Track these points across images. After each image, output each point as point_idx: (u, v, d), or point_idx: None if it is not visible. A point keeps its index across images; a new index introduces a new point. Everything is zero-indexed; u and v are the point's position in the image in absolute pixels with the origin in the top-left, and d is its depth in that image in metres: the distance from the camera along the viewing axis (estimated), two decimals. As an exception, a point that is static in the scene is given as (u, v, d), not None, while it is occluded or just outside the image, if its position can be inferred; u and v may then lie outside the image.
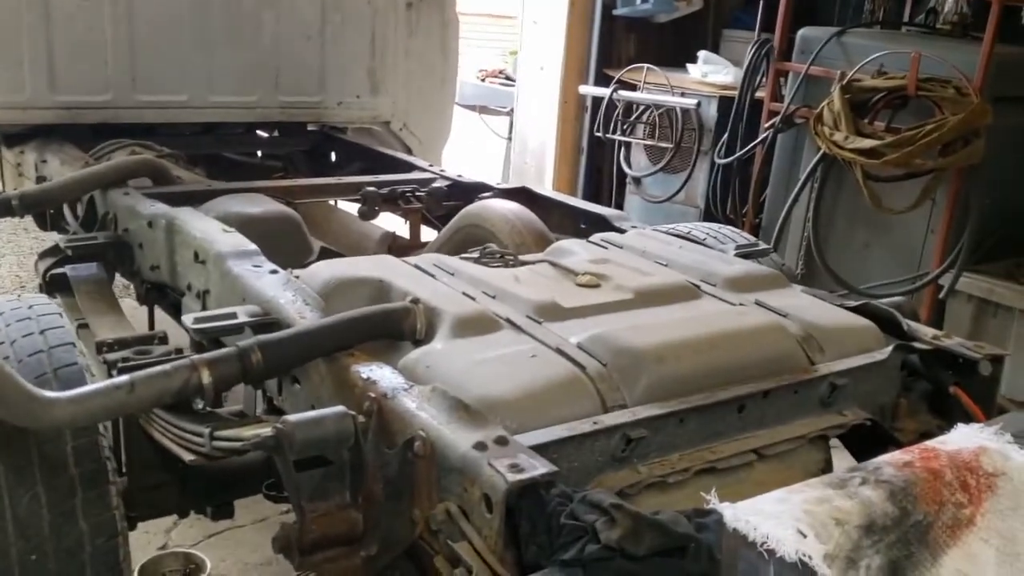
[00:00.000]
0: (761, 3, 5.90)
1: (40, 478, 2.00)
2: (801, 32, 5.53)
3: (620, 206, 6.81)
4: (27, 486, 1.98)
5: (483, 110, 8.97)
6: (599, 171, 7.51)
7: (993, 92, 4.67)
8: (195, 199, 3.48)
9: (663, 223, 3.65)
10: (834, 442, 2.26)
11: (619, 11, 7.08)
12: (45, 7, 4.33)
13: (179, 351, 2.41)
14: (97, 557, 2.06)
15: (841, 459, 2.27)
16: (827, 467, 2.17)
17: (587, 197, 6.92)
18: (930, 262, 5.02)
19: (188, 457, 2.08)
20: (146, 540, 3.34)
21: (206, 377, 1.94)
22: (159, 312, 3.49)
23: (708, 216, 6.19)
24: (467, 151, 8.10)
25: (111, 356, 2.42)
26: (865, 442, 2.28)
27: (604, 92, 6.92)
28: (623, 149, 6.92)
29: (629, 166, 6.90)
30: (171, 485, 2.41)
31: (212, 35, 4.77)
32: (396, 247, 3.81)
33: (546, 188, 6.01)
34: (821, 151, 5.06)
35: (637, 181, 6.88)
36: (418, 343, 2.18)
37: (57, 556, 2.00)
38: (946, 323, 4.94)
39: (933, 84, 4.67)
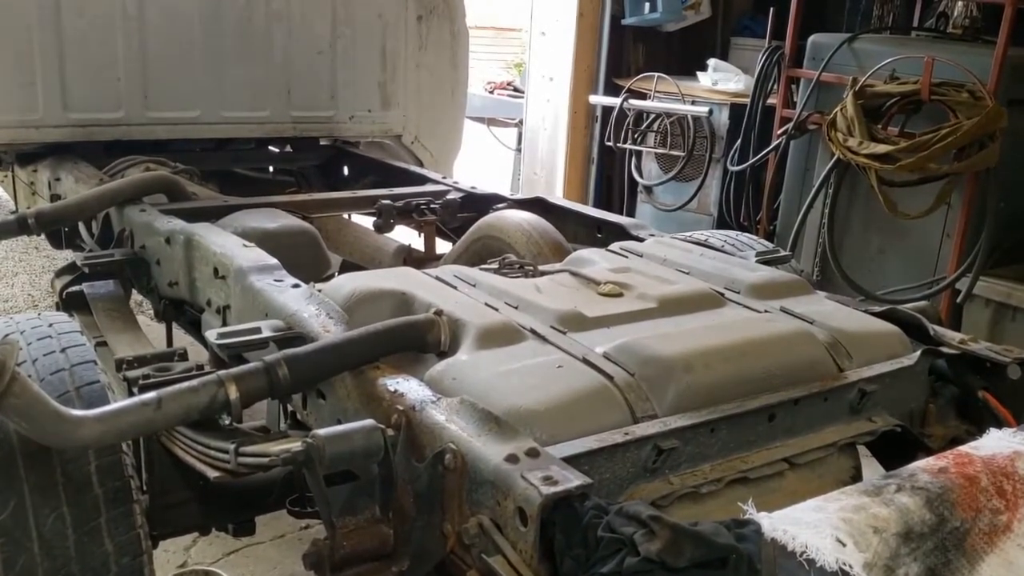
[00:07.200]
0: (771, 11, 5.90)
1: (65, 497, 1.98)
2: (812, 39, 5.53)
3: (631, 215, 6.80)
4: (52, 505, 1.96)
5: (492, 122, 8.99)
6: (609, 180, 7.51)
7: (1007, 95, 4.66)
8: (212, 215, 3.47)
9: (676, 231, 3.62)
10: (861, 449, 2.24)
11: (627, 20, 7.09)
12: (57, 25, 4.34)
13: (200, 367, 2.40)
14: (123, 576, 2.05)
15: (867, 467, 2.24)
16: (857, 475, 2.15)
17: (598, 206, 6.88)
18: (946, 267, 5.00)
19: (213, 474, 2.06)
20: (166, 559, 3.32)
21: (233, 392, 1.92)
22: (176, 329, 3.48)
23: (721, 223, 6.18)
24: (476, 163, 8.11)
25: (131, 374, 2.40)
26: (893, 449, 2.26)
27: (614, 101, 6.93)
28: (634, 158, 6.92)
29: (640, 175, 6.90)
30: (193, 503, 2.39)
31: (223, 51, 4.78)
32: (411, 260, 3.79)
33: (559, 198, 6.00)
34: (835, 157, 5.05)
35: (649, 190, 6.88)
36: (442, 355, 2.16)
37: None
38: (963, 328, 4.91)
39: (947, 88, 4.66)
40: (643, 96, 6.80)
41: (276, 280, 2.57)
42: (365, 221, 4.21)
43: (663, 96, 6.65)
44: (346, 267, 3.74)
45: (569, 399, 1.88)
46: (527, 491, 1.53)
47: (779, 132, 5.66)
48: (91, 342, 2.82)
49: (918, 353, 2.30)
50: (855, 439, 2.15)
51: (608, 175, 7.49)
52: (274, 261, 2.70)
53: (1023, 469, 1.75)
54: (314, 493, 1.76)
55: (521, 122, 8.20)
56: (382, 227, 3.94)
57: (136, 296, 3.75)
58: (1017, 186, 4.92)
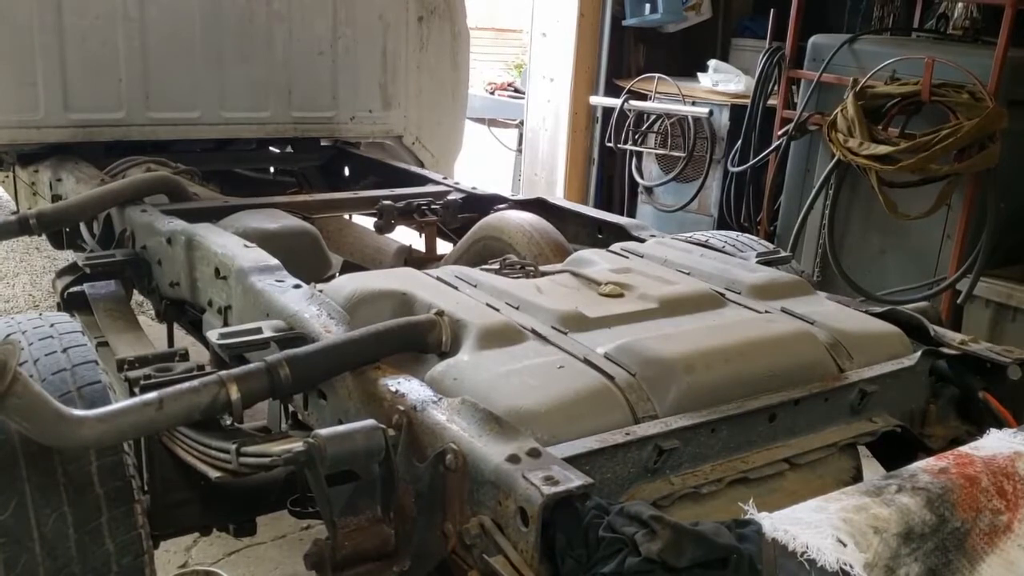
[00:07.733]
0: (771, 12, 5.90)
1: (66, 497, 1.98)
2: (812, 40, 5.54)
3: (632, 216, 6.79)
4: (53, 505, 1.96)
5: (492, 123, 9.00)
6: (610, 181, 7.51)
7: (1008, 96, 4.67)
8: (213, 215, 3.47)
9: (676, 232, 3.62)
10: (862, 450, 2.24)
11: (628, 21, 7.09)
12: (58, 26, 4.34)
13: (200, 368, 2.40)
14: (124, 576, 2.05)
15: (868, 467, 2.25)
16: (858, 475, 2.15)
17: (598, 207, 6.87)
18: (947, 267, 5.00)
19: (214, 474, 2.06)
20: (167, 559, 3.32)
21: (234, 393, 1.92)
22: (178, 329, 3.48)
23: (722, 224, 6.19)
24: (477, 164, 8.11)
25: (133, 374, 2.41)
26: (893, 449, 2.26)
27: (614, 102, 6.94)
28: (634, 159, 6.93)
29: (641, 176, 6.91)
30: (194, 503, 2.39)
31: (224, 51, 4.78)
32: (412, 260, 3.79)
33: (560, 198, 6.00)
34: (836, 158, 5.05)
35: (649, 190, 6.88)
36: (443, 355, 2.16)
37: (85, 576, 1.99)
38: (964, 328, 4.92)
39: (947, 89, 4.66)
40: (643, 97, 6.81)
41: (277, 280, 2.57)
42: (366, 222, 4.20)
43: (663, 97, 6.66)
44: (347, 268, 3.74)
45: (570, 399, 1.88)
46: (528, 491, 1.53)
47: (779, 133, 5.67)
48: (92, 342, 2.82)
49: (918, 354, 2.30)
50: (856, 439, 2.15)
51: (609, 176, 7.49)
52: (275, 262, 2.70)
53: (1023, 470, 1.76)
54: (315, 493, 1.76)
55: (522, 123, 8.21)
56: (383, 228, 3.94)
57: (137, 296, 3.75)
58: (1017, 187, 4.93)
